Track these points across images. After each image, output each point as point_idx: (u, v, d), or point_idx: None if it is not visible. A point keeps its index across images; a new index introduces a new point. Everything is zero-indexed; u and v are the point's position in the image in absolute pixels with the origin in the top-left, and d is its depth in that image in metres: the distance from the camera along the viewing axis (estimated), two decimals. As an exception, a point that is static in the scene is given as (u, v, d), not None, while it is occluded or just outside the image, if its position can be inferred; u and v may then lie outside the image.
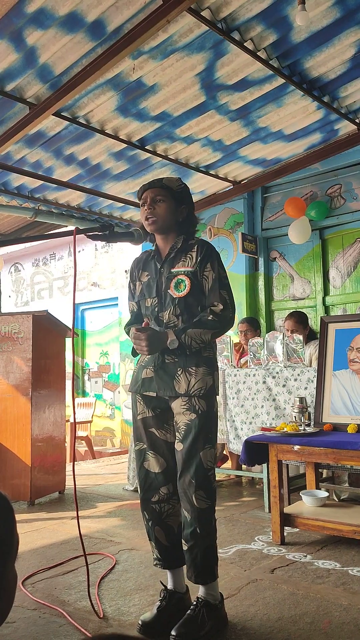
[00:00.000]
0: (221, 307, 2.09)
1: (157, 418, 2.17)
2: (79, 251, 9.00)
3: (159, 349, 2.09)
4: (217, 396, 2.17)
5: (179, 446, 2.08)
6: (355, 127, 4.98)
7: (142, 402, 2.19)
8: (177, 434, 2.10)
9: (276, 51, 3.84)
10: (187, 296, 2.11)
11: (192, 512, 2.04)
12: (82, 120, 4.38)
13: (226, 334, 5.77)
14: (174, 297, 2.13)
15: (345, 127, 5.01)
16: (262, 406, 3.95)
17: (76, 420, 7.38)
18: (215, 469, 2.16)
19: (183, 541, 2.08)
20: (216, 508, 2.11)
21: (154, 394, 2.14)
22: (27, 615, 2.24)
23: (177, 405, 2.10)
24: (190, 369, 2.08)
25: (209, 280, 2.13)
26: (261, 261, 6.64)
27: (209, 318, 2.07)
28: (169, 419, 2.16)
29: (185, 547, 2.07)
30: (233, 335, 5.81)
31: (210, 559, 2.07)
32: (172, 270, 2.16)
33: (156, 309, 2.17)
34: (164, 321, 2.14)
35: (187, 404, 2.07)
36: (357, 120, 4.93)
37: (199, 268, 2.13)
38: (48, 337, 4.45)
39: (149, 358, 2.16)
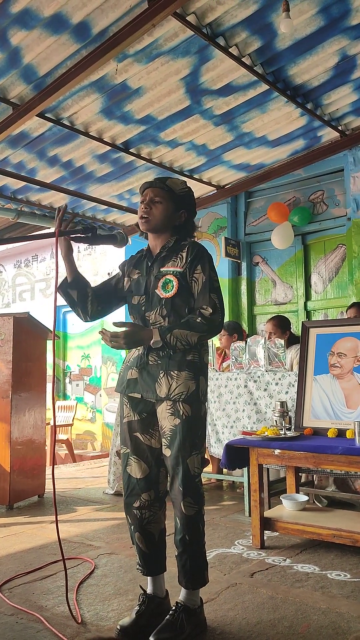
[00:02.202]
0: (210, 311, 2.05)
1: (142, 422, 2.15)
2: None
3: (139, 345, 2.09)
4: (205, 401, 2.13)
5: (166, 452, 2.07)
6: (338, 134, 5.04)
7: (128, 405, 2.17)
8: (163, 439, 2.08)
9: (261, 57, 3.87)
10: (174, 297, 2.09)
11: (181, 519, 2.04)
12: (66, 122, 4.37)
13: (208, 337, 5.79)
14: (161, 297, 2.10)
15: (328, 134, 5.07)
16: (244, 410, 3.96)
17: (57, 424, 7.33)
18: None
19: (175, 546, 2.08)
20: (203, 514, 2.10)
21: (139, 396, 2.13)
22: (4, 620, 2.22)
23: (162, 410, 2.08)
24: (172, 373, 2.06)
25: (198, 283, 2.09)
26: (244, 266, 6.67)
27: (197, 320, 2.03)
28: (154, 423, 2.14)
29: (175, 553, 2.07)
30: (215, 339, 5.82)
31: (200, 564, 2.07)
32: (162, 270, 2.14)
33: (143, 308, 2.15)
34: (150, 321, 2.12)
35: (171, 408, 2.05)
36: (340, 128, 4.98)
37: (189, 269, 2.10)
38: (29, 339, 4.42)
39: (134, 358, 2.15)
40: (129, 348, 2.10)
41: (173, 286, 2.09)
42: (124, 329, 2.05)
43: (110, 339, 2.03)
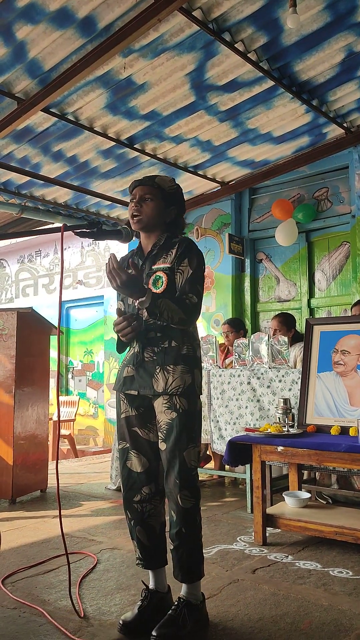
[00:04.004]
0: (195, 300, 2.08)
1: (140, 417, 2.16)
2: (65, 249, 8.95)
3: (128, 292, 1.99)
4: (200, 394, 2.15)
5: (162, 446, 2.08)
6: (343, 131, 5.03)
7: (125, 401, 2.18)
8: (159, 433, 2.09)
9: (266, 53, 3.85)
10: (164, 293, 2.09)
11: (177, 512, 2.04)
12: (70, 117, 4.36)
13: (211, 334, 5.79)
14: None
15: (333, 131, 5.06)
16: (247, 407, 3.96)
17: (60, 419, 7.33)
18: (199, 469, 2.15)
19: (169, 540, 2.08)
20: (199, 507, 2.11)
21: (136, 393, 2.13)
22: (7, 614, 2.22)
23: (158, 404, 2.09)
24: (168, 367, 2.07)
25: (184, 274, 2.10)
26: (247, 262, 6.66)
27: (187, 302, 2.05)
28: (152, 418, 2.15)
29: (171, 547, 2.08)
30: (218, 335, 5.82)
31: (196, 557, 2.07)
32: (153, 267, 2.15)
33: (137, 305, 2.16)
34: (144, 318, 2.12)
35: (168, 402, 2.06)
36: (345, 125, 4.97)
37: (176, 263, 2.11)
38: (32, 334, 4.42)
39: (130, 356, 2.16)
40: (121, 289, 1.98)
41: (163, 282, 2.10)
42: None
43: (112, 269, 1.95)
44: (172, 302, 2.02)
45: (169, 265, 2.12)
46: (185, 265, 2.11)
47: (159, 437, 2.09)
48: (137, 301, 1.99)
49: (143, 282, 2.08)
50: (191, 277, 2.10)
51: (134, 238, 2.29)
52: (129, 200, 5.64)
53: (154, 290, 2.10)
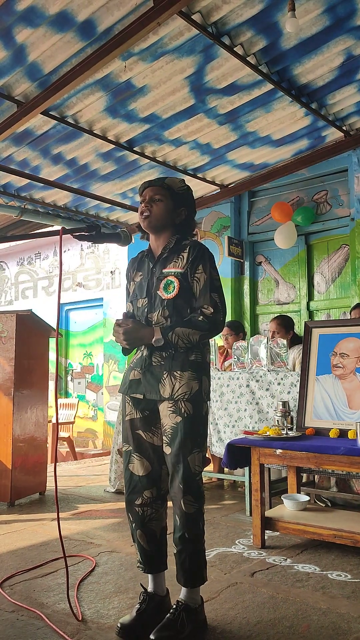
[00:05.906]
0: (211, 310, 2.08)
1: (144, 420, 2.16)
2: (65, 251, 8.95)
3: (140, 344, 2.12)
4: (207, 401, 2.15)
5: (167, 450, 2.08)
6: (343, 134, 5.03)
7: (130, 404, 2.18)
8: (164, 437, 2.09)
9: (265, 57, 3.86)
10: (175, 298, 2.10)
11: (181, 517, 2.04)
12: (70, 120, 4.37)
13: (211, 337, 5.78)
14: (163, 298, 2.12)
15: (332, 134, 5.06)
16: (245, 410, 3.96)
17: (58, 421, 7.33)
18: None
19: (173, 544, 2.09)
20: (203, 512, 2.11)
21: (142, 396, 2.14)
22: (5, 617, 2.22)
23: (163, 408, 2.09)
24: (175, 373, 2.07)
25: (200, 283, 2.11)
26: (247, 265, 6.67)
27: (199, 319, 2.06)
28: (156, 421, 2.15)
29: (174, 551, 2.08)
30: (217, 338, 5.82)
31: (199, 562, 2.07)
32: (164, 271, 2.16)
33: (146, 310, 2.17)
34: (153, 322, 2.13)
35: (173, 406, 2.06)
36: (344, 128, 4.98)
37: (190, 269, 2.11)
38: (32, 337, 4.42)
39: (138, 359, 2.17)
40: (130, 345, 2.12)
41: (174, 287, 2.11)
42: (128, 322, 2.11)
43: (114, 331, 2.12)
44: (185, 327, 2.05)
45: (181, 271, 2.12)
46: (200, 273, 2.12)
47: (164, 441, 2.09)
48: (153, 341, 2.06)
49: (146, 323, 2.14)
50: (205, 286, 2.11)
51: (145, 239, 2.31)
52: (128, 203, 5.65)
53: (166, 295, 2.11)
